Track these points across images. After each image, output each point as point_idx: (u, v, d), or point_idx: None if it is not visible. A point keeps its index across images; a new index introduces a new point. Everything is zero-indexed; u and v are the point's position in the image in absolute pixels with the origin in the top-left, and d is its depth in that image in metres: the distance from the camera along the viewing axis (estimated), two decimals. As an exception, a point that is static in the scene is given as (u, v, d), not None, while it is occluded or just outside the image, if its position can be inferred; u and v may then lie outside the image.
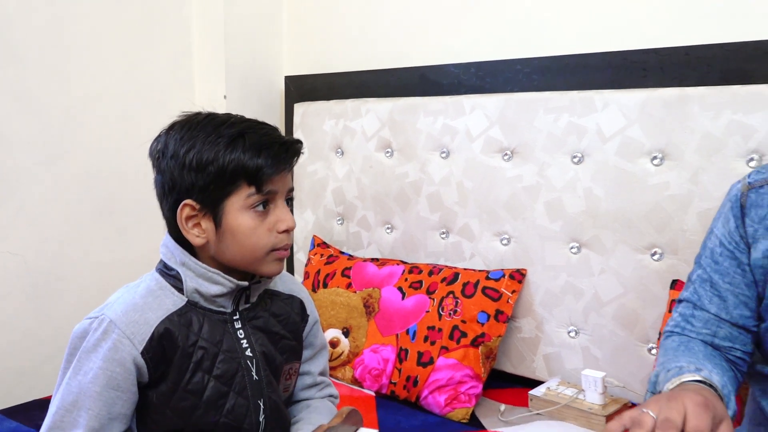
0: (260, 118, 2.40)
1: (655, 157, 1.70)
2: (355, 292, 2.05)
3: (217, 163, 1.08)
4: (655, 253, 1.71)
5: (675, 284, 1.64)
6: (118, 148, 2.31)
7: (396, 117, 2.16)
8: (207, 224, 1.12)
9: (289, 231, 1.14)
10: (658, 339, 1.63)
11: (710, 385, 1.00)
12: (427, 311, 1.89)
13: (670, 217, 1.68)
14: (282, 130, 2.46)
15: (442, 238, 2.10)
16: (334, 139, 2.32)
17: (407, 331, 1.89)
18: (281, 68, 2.59)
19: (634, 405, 1.73)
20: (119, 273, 2.30)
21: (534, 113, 1.89)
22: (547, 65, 1.92)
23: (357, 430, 0.96)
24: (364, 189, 2.26)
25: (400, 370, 1.85)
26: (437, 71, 2.13)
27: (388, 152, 2.19)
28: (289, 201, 1.17)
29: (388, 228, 2.23)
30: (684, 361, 1.09)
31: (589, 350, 1.82)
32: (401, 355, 1.87)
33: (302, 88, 2.48)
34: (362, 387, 1.92)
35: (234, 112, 2.36)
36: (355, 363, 1.94)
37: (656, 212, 1.70)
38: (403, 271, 2.03)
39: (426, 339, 1.85)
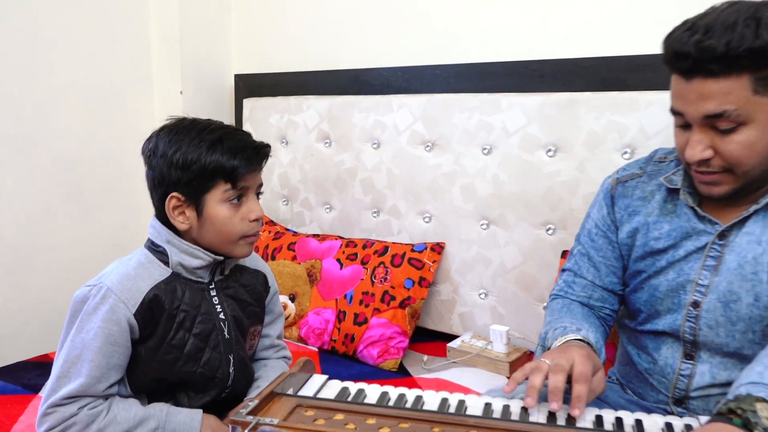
0: (212, 112, 2.50)
1: (549, 150, 1.81)
2: (300, 263, 2.12)
3: (200, 162, 1.17)
4: (549, 229, 1.84)
5: (564, 254, 1.77)
6: (84, 138, 2.32)
7: (334, 112, 2.22)
8: (190, 213, 1.21)
9: (258, 220, 1.24)
10: None
11: (588, 343, 1.13)
12: (362, 279, 1.98)
13: (561, 199, 1.80)
14: (232, 123, 2.53)
15: (374, 217, 2.18)
16: (279, 130, 2.36)
17: (345, 296, 1.98)
18: (231, 67, 2.60)
19: (532, 353, 1.86)
20: (86, 248, 2.35)
21: (451, 111, 1.96)
22: (462, 71, 2.00)
23: (311, 376, 1.09)
24: (306, 174, 2.32)
25: (339, 329, 1.95)
26: (369, 73, 2.19)
27: (326, 143, 2.25)
28: (258, 194, 1.27)
29: (327, 208, 2.31)
30: (567, 322, 1.21)
31: (496, 309, 1.94)
32: (340, 316, 1.96)
33: (250, 86, 2.50)
34: (307, 344, 2.00)
35: (189, 106, 2.45)
36: (301, 324, 2.02)
37: (550, 195, 1.81)
38: (341, 245, 2.11)
39: (361, 302, 1.95)
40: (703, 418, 0.91)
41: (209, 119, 1.26)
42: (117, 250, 2.41)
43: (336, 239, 2.15)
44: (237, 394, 1.33)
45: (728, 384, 1.12)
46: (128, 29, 2.42)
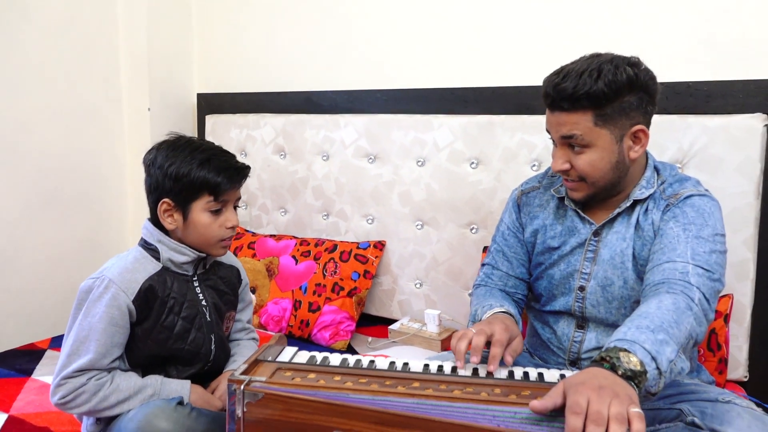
0: (177, 127, 2.65)
1: (472, 163, 2.00)
2: (259, 260, 2.25)
3: (190, 177, 1.31)
4: (472, 228, 2.03)
5: (485, 249, 1.96)
6: (62, 151, 2.39)
7: (288, 129, 2.36)
8: (178, 217, 1.35)
9: (233, 227, 1.38)
10: None
11: (510, 314, 1.33)
12: (315, 272, 2.14)
13: (482, 204, 1.99)
14: (196, 136, 2.62)
15: (324, 219, 2.33)
16: (239, 144, 2.48)
17: (300, 288, 2.13)
18: (194, 87, 2.69)
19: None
20: (63, 249, 2.43)
21: (390, 129, 2.13)
22: (400, 95, 2.16)
23: (284, 348, 1.24)
24: (263, 182, 2.44)
25: (295, 316, 2.09)
26: (319, 95, 2.33)
27: (282, 155, 2.39)
28: (236, 207, 1.40)
29: (282, 211, 2.44)
30: (491, 301, 1.40)
31: (429, 296, 2.12)
32: (296, 305, 2.11)
33: (211, 104, 2.61)
34: (266, 330, 2.13)
35: (156, 122, 2.56)
36: (261, 312, 2.16)
37: (473, 200, 2.00)
38: (296, 243, 2.25)
39: (314, 293, 2.10)
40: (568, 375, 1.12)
41: (202, 139, 1.40)
42: (90, 250, 2.50)
43: (291, 239, 2.29)
44: (217, 368, 1.47)
45: (609, 347, 1.36)
46: (100, 53, 2.49)
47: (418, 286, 2.16)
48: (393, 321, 2.16)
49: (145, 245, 1.40)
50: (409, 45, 2.19)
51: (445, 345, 1.98)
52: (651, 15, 1.80)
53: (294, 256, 2.22)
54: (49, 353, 2.01)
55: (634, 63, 1.26)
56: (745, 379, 1.69)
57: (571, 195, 1.38)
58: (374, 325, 2.22)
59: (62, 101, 2.38)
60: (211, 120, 2.58)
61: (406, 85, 2.18)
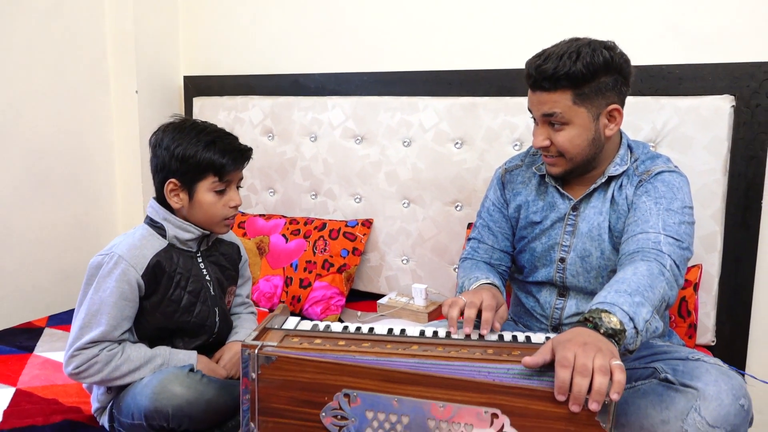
0: (164, 108, 2.67)
1: (457, 143, 2.09)
2: (250, 239, 2.32)
3: (196, 158, 1.38)
4: (457, 206, 2.12)
5: (469, 225, 2.06)
6: (52, 134, 2.43)
7: (276, 111, 2.41)
8: (183, 196, 1.42)
9: (236, 207, 1.46)
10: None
11: (494, 285, 1.43)
12: (305, 250, 2.22)
13: (467, 182, 2.08)
14: None
15: (312, 199, 2.41)
16: (228, 126, 2.51)
17: (291, 265, 2.21)
18: (180, 69, 2.73)
19: None
20: (53, 229, 2.48)
21: (377, 111, 2.20)
22: (386, 78, 2.23)
23: (287, 318, 1.32)
24: (252, 163, 2.30)
25: (287, 292, 2.18)
26: (307, 78, 2.39)
27: (270, 136, 2.45)
28: (239, 186, 1.48)
29: (271, 192, 2.50)
30: (477, 274, 1.50)
31: (416, 271, 2.22)
32: (287, 281, 2.19)
33: (198, 86, 2.65)
34: (258, 306, 2.20)
35: (144, 104, 2.61)
36: (253, 290, 2.22)
37: (458, 179, 2.09)
38: (285, 222, 2.32)
39: (305, 269, 2.18)
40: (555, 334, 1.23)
41: (205, 122, 1.47)
42: (80, 230, 2.56)
43: (280, 218, 2.36)
44: (220, 340, 1.56)
45: (588, 313, 1.47)
46: (87, 36, 2.52)
47: (404, 262, 2.25)
48: (381, 296, 2.25)
49: (151, 223, 1.47)
50: (395, 29, 2.26)
51: (432, 317, 2.08)
52: (627, 1, 1.89)
53: (284, 235, 2.29)
54: (47, 331, 2.07)
55: (610, 47, 1.36)
56: (713, 344, 1.83)
57: (550, 170, 1.47)
58: (363, 300, 2.31)
59: (51, 84, 2.41)
60: (198, 102, 2.63)
61: (392, 68, 2.26)
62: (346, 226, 2.25)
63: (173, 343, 1.48)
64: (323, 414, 1.07)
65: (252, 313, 1.72)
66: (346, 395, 1.06)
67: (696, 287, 1.75)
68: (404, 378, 1.04)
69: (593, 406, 0.96)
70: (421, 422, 1.03)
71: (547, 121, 1.39)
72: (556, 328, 1.52)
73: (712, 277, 1.79)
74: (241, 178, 1.50)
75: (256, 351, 1.10)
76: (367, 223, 2.26)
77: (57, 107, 2.44)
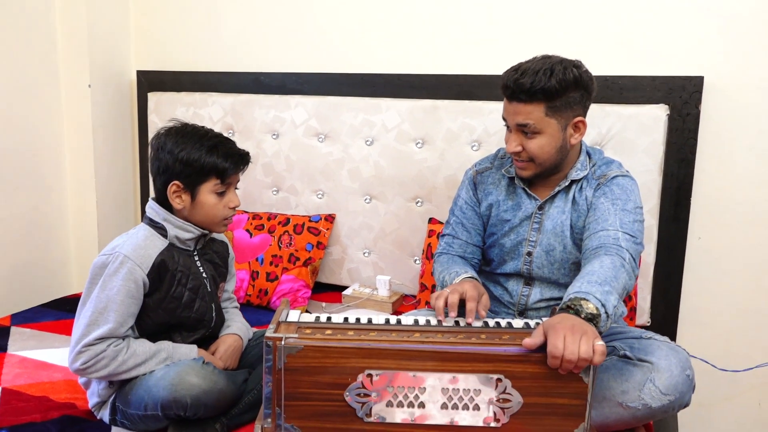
0: (117, 103, 2.70)
1: (418, 143, 2.25)
2: None
3: (200, 162, 1.49)
4: (418, 202, 2.29)
5: (430, 220, 2.24)
6: (1, 129, 2.41)
7: (237, 108, 2.49)
8: (186, 197, 1.52)
9: (236, 207, 1.58)
10: (422, 254, 2.24)
11: (474, 278, 1.61)
12: (270, 245, 2.33)
13: (427, 180, 2.24)
14: (136, 114, 2.69)
15: (274, 194, 2.51)
16: (187, 121, 2.59)
17: (257, 259, 2.31)
18: (132, 63, 2.75)
19: (407, 296, 2.33)
20: (5, 225, 2.47)
21: (340, 111, 2.33)
22: (350, 80, 2.35)
23: (288, 311, 1.44)
24: None
25: (253, 286, 2.28)
26: (268, 76, 2.47)
27: (230, 132, 2.52)
28: (236, 189, 1.60)
29: None
30: (457, 269, 1.66)
31: (378, 264, 2.37)
32: (254, 275, 2.29)
33: (152, 81, 2.68)
34: None
35: (98, 99, 2.64)
36: None
37: (419, 177, 2.25)
38: (248, 218, 2.41)
39: (271, 263, 2.29)
40: (546, 318, 1.44)
41: (203, 127, 1.57)
42: (30, 226, 2.56)
43: (242, 213, 2.46)
44: (214, 334, 1.67)
45: (550, 299, 1.69)
46: (34, 31, 2.49)
47: (366, 254, 2.40)
48: (343, 288, 2.40)
49: (152, 223, 1.56)
50: (359, 31, 2.39)
51: (396, 307, 2.25)
52: (577, 17, 2.12)
53: (248, 230, 2.40)
54: (15, 330, 2.09)
55: (578, 65, 1.57)
56: (648, 324, 2.10)
57: (520, 173, 1.68)
58: (326, 291, 2.45)
59: (-1, 79, 2.38)
60: (154, 98, 2.66)
61: (355, 69, 2.39)
62: (310, 221, 2.37)
63: (172, 337, 1.58)
64: (347, 393, 1.23)
65: (236, 307, 1.82)
66: (369, 375, 1.22)
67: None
68: (420, 355, 1.22)
69: (576, 371, 1.19)
70: (437, 391, 1.22)
71: (521, 129, 1.59)
72: (522, 312, 1.73)
73: (648, 265, 2.07)
74: (238, 180, 1.61)
75: (282, 342, 1.24)
76: (330, 218, 2.40)
77: (4, 101, 2.42)
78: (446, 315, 1.44)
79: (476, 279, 1.62)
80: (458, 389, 1.23)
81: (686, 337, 2.12)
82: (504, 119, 1.63)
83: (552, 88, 1.52)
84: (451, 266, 1.70)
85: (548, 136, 1.58)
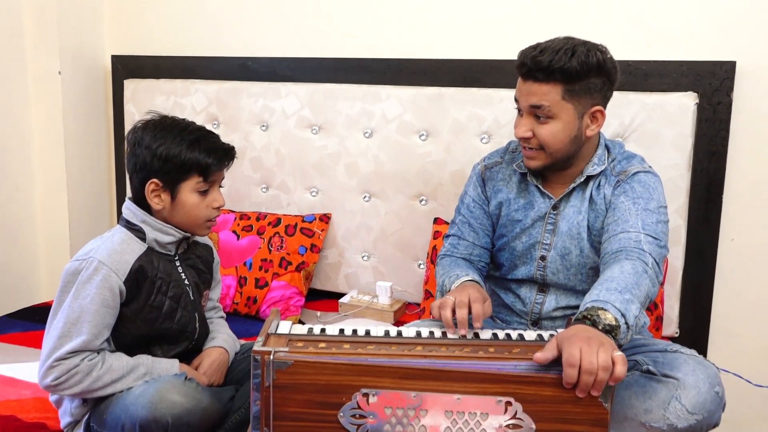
0: (91, 91, 2.70)
1: (421, 135, 2.27)
2: None
3: (180, 158, 1.50)
4: (422, 200, 2.30)
5: (436, 220, 2.26)
6: None
7: (222, 96, 2.51)
8: (165, 197, 1.53)
9: (220, 207, 1.59)
10: (427, 258, 2.27)
11: (476, 281, 1.63)
12: (260, 248, 2.34)
13: (432, 175, 2.26)
14: (111, 103, 2.72)
15: (263, 192, 2.53)
16: (166, 112, 2.47)
17: (245, 264, 2.33)
18: (106, 48, 2.77)
19: (410, 304, 2.35)
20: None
21: (336, 99, 2.34)
22: (346, 65, 2.36)
23: (279, 322, 1.46)
24: None
25: (241, 293, 2.30)
26: (256, 62, 2.49)
27: (215, 124, 2.54)
28: (220, 186, 1.61)
29: None
30: (458, 272, 1.68)
31: (378, 268, 2.39)
32: (241, 281, 2.31)
33: (128, 67, 2.70)
34: None
35: (68, 87, 2.64)
36: None
37: (423, 172, 2.27)
38: (235, 218, 2.43)
39: (261, 268, 2.31)
40: (560, 330, 1.46)
41: (185, 119, 1.59)
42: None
43: (228, 213, 2.47)
44: (197, 347, 1.68)
45: (566, 308, 1.71)
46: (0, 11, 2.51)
47: (365, 258, 2.42)
48: (340, 295, 2.42)
49: (129, 225, 1.57)
50: (356, 13, 2.40)
51: (398, 316, 2.28)
52: (594, -5, 2.14)
53: (235, 231, 2.41)
54: (-25, 342, 2.12)
55: (602, 50, 1.59)
56: (677, 335, 2.12)
57: (528, 164, 1.69)
58: (321, 299, 2.47)
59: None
60: (131, 85, 2.68)
61: (352, 54, 2.40)
62: (303, 221, 2.39)
63: (152, 351, 1.59)
64: (341, 414, 1.25)
65: (222, 317, 1.84)
66: (365, 394, 1.24)
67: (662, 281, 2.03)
68: (421, 374, 1.23)
69: (595, 393, 1.20)
70: (439, 414, 1.23)
71: (533, 112, 1.61)
72: (536, 322, 1.75)
73: (677, 270, 2.08)
74: (223, 178, 1.62)
75: (271, 357, 1.26)
76: (325, 218, 2.41)
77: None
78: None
79: (478, 282, 1.64)
80: (463, 412, 1.24)
81: (718, 349, 2.14)
82: (516, 101, 1.65)
83: (572, 69, 1.53)
84: (452, 269, 1.72)
85: (563, 122, 1.59)
